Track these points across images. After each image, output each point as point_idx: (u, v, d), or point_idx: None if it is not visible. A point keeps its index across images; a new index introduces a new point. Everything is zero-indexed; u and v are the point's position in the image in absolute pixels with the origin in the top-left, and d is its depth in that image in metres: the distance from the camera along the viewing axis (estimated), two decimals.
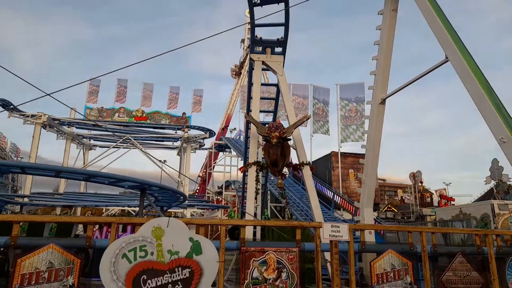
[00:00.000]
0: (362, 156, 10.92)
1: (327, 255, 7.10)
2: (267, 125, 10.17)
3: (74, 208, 27.10)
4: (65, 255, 3.30)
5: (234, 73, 54.44)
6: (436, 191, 43.94)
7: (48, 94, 5.94)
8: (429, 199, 40.85)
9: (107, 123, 30.45)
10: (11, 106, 25.29)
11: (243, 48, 52.96)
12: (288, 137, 10.00)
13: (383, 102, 10.00)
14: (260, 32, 11.87)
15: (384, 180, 50.47)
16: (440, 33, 7.74)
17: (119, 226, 3.98)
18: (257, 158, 10.97)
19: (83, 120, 29.31)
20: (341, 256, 5.16)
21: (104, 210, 28.60)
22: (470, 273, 4.87)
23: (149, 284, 3.37)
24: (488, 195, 27.69)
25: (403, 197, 43.63)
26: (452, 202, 37.02)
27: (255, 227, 11.45)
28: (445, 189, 42.19)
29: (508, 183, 22.04)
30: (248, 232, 4.26)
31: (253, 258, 3.94)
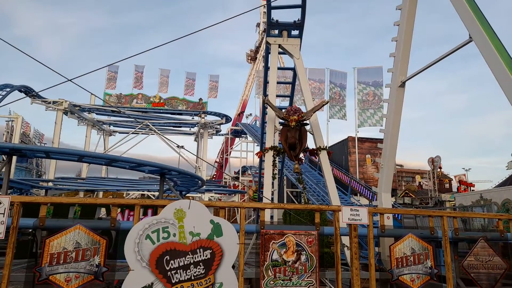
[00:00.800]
0: (379, 141, 10.80)
1: (344, 240, 7.12)
2: (285, 109, 10.13)
3: (96, 192, 27.87)
4: (91, 235, 3.41)
5: (249, 58, 54.05)
6: (455, 176, 43.14)
7: (70, 80, 6.06)
8: (448, 185, 40.20)
9: (126, 109, 30.90)
10: (33, 93, 25.89)
11: (259, 32, 52.37)
12: (306, 122, 9.95)
13: (402, 85, 9.79)
14: (276, 15, 11.71)
15: (401, 165, 49.76)
16: (464, 11, 7.47)
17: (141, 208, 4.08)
18: (273, 143, 10.97)
19: (102, 106, 29.83)
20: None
21: (124, 195, 29.33)
22: (492, 258, 4.81)
23: (172, 264, 3.46)
24: (509, 181, 27.02)
25: (421, 183, 43.04)
26: (472, 188, 36.32)
27: (272, 211, 11.53)
28: (464, 175, 41.38)
29: None
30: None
31: (273, 241, 3.98)
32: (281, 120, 10.49)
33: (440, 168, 38.80)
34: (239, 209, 4.05)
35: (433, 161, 37.18)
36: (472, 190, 34.01)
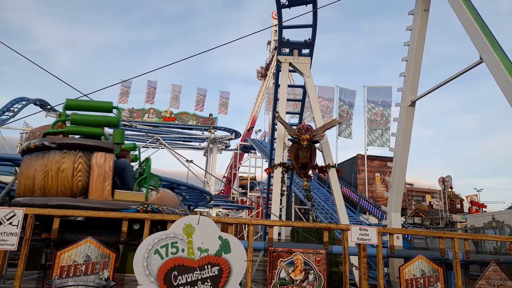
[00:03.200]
0: (389, 159, 10.75)
1: (353, 259, 7.03)
2: (296, 127, 10.15)
3: None
4: (101, 249, 3.45)
5: (260, 75, 54.61)
6: (466, 197, 42.36)
7: (85, 95, 6.22)
8: (459, 205, 39.44)
9: (137, 123, 31.31)
10: (49, 106, 26.45)
11: (269, 50, 53.04)
12: (318, 140, 9.94)
13: (412, 104, 9.80)
14: (287, 34, 11.91)
15: (411, 184, 49.09)
16: (474, 33, 7.52)
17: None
18: (282, 159, 10.99)
19: None
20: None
21: None
22: (505, 282, 4.70)
23: (179, 280, 3.47)
24: None
25: (432, 203, 42.31)
26: (484, 209, 35.58)
27: (280, 228, 11.46)
28: (476, 195, 40.61)
29: None
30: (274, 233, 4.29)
31: (281, 259, 3.97)
32: (290, 137, 10.53)
33: (451, 188, 38.18)
34: (247, 225, 4.06)
35: (444, 181, 36.63)
36: (484, 211, 33.30)
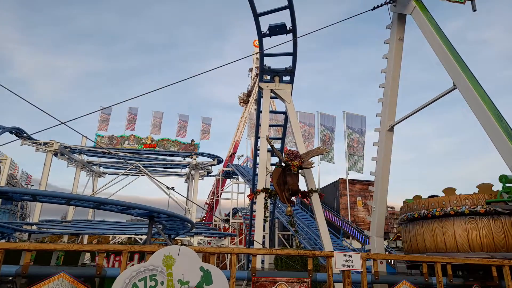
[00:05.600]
0: (370, 183, 10.84)
1: (337, 286, 6.90)
2: (285, 153, 10.10)
3: (81, 236, 26.95)
4: (75, 284, 3.27)
5: (242, 101, 55.13)
6: None
7: (63, 123, 6.08)
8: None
9: (117, 150, 30.76)
10: (25, 135, 25.74)
11: (251, 77, 53.90)
12: (308, 167, 9.88)
13: (391, 129, 10.03)
14: (268, 62, 12.15)
15: (392, 208, 49.46)
16: (448, 61, 7.85)
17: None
18: (265, 185, 10.92)
19: (93, 147, 29.64)
20: None
21: (110, 238, 28.38)
22: None
23: None
24: None
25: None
26: None
27: (263, 255, 11.22)
28: None
29: None
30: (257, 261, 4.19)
31: None
32: (272, 162, 10.51)
33: None
34: (229, 254, 3.95)
35: None
36: None
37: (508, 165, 6.31)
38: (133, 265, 3.61)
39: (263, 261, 11.20)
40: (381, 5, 10.33)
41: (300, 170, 9.73)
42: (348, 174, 28.44)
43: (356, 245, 24.92)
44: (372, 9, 10.36)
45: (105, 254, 3.62)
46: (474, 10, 8.68)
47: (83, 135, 8.00)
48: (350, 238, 26.71)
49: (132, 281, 3.34)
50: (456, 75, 7.67)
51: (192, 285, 3.51)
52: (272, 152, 13.87)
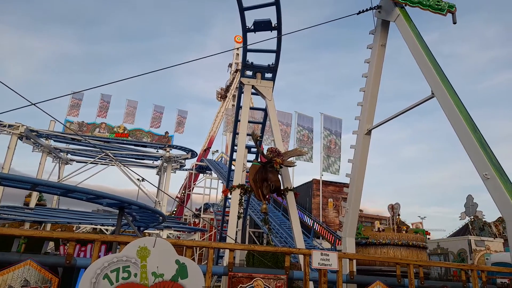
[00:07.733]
0: (344, 185, 11.02)
1: (311, 285, 6.92)
2: (267, 149, 10.03)
3: (44, 224, 25.91)
4: (42, 272, 3.07)
5: (219, 96, 54.72)
6: (412, 224, 44.36)
7: (34, 104, 5.75)
8: (405, 231, 41.08)
9: (86, 137, 29.72)
10: None
11: (230, 72, 53.59)
12: (289, 165, 9.87)
13: (369, 132, 10.18)
14: (251, 57, 12.06)
15: (361, 210, 50.66)
16: (427, 69, 8.03)
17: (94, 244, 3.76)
18: (241, 181, 10.84)
19: (62, 133, 28.53)
20: None
21: (74, 228, 27.43)
22: None
23: None
24: (462, 231, 28.12)
25: (380, 229, 43.74)
26: (428, 236, 37.33)
27: (234, 251, 11.15)
28: (421, 223, 42.62)
29: (483, 219, 22.52)
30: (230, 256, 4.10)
31: (241, 284, 3.78)
32: (249, 158, 10.44)
33: (399, 215, 39.84)
34: (207, 249, 3.84)
35: (393, 208, 38.13)
36: (428, 238, 34.95)
37: (480, 174, 6.53)
38: (99, 257, 3.44)
39: (234, 257, 11.12)
40: (367, 9, 10.46)
41: (280, 168, 9.74)
42: (322, 175, 28.77)
43: (326, 245, 25.29)
44: (358, 13, 10.48)
45: (75, 243, 3.43)
46: (455, 23, 8.95)
47: (53, 117, 7.61)
48: (320, 238, 27.08)
49: (104, 272, 3.18)
50: (435, 84, 7.87)
51: (166, 278, 3.39)
52: (250, 148, 13.80)
